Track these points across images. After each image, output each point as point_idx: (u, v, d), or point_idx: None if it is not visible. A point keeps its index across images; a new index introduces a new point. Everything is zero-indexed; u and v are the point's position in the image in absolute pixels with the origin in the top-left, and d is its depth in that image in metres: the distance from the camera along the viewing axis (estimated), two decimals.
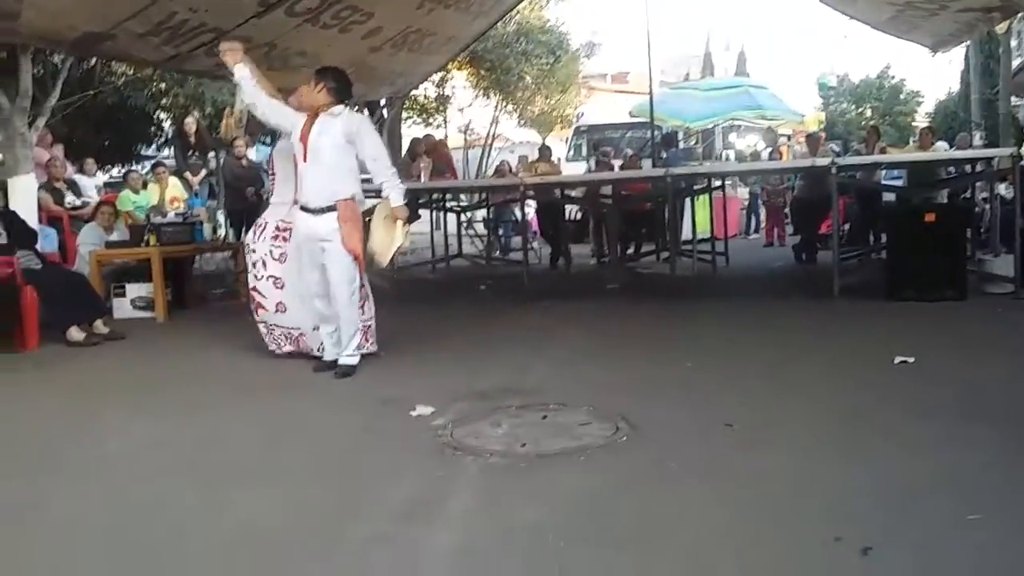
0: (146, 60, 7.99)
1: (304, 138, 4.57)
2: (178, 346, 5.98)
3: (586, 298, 7.67)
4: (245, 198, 9.64)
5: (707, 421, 3.54)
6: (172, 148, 12.15)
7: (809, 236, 10.54)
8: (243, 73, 4.66)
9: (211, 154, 10.86)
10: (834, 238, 7.58)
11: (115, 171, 13.95)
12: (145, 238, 7.18)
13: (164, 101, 13.84)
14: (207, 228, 8.16)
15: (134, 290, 7.20)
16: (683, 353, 4.89)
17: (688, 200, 10.49)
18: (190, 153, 10.42)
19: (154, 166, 10.37)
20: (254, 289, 5.10)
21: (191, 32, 6.91)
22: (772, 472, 2.92)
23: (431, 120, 18.85)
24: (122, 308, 7.17)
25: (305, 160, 4.57)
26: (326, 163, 4.54)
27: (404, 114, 16.75)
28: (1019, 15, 14.44)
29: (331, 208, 4.55)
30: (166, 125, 14.72)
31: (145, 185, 9.39)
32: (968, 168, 9.01)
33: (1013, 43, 17.41)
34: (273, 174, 5.20)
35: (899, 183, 10.86)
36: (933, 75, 52.92)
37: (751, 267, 10.21)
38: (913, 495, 2.64)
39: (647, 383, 4.28)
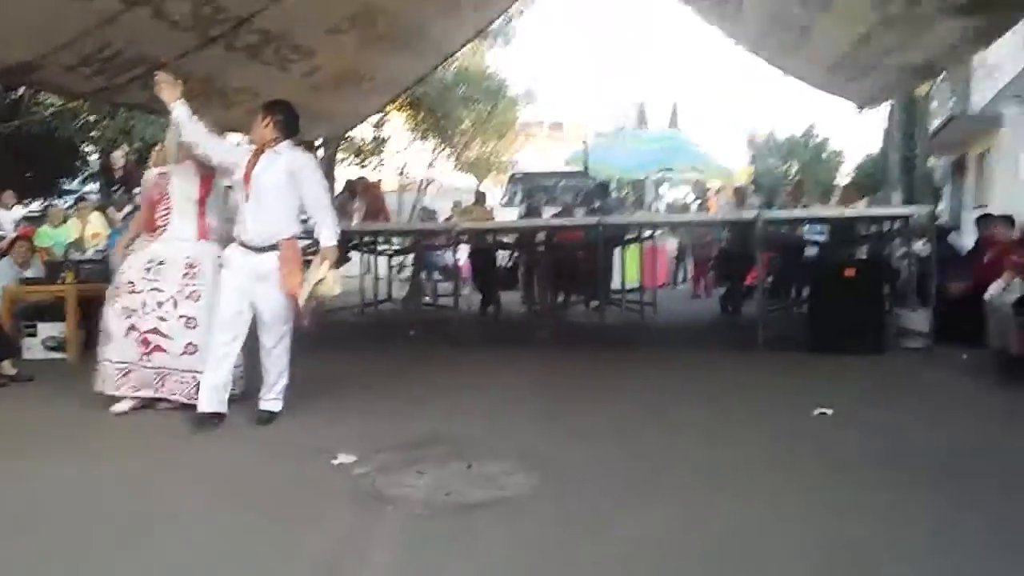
0: (76, 91, 7.81)
1: (248, 175, 4.45)
2: (89, 389, 5.74)
3: (516, 345, 7.67)
4: None
5: (633, 471, 3.55)
6: (97, 182, 11.84)
7: (735, 287, 10.78)
8: (181, 109, 4.50)
9: (137, 190, 10.61)
10: (760, 290, 7.76)
11: (35, 205, 13.53)
12: (62, 275, 6.93)
13: (93, 134, 13.52)
14: None
15: (46, 329, 6.91)
16: (612, 403, 4.91)
17: (618, 249, 10.63)
18: (115, 188, 10.16)
19: (77, 200, 10.09)
20: (154, 331, 4.74)
21: (125, 64, 6.77)
22: (703, 519, 2.93)
23: (367, 162, 18.83)
24: (32, 349, 6.88)
25: (248, 198, 4.45)
26: (268, 202, 4.43)
27: (340, 155, 16.69)
28: (939, 77, 15.24)
29: (273, 247, 4.45)
30: (92, 158, 14.36)
31: (65, 220, 9.11)
32: (888, 225, 9.36)
33: (933, 105, 18.27)
34: (166, 208, 4.92)
35: (821, 238, 11.19)
36: (854, 138, 55.18)
37: (678, 317, 10.37)
38: (836, 546, 2.67)
39: (575, 432, 4.28)
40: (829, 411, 4.53)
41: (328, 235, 4.51)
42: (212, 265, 4.81)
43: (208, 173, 4.89)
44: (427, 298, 11.48)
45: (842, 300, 6.76)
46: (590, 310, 10.11)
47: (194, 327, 4.75)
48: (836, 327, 6.72)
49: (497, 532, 2.88)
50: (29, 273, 7.39)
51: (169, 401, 4.77)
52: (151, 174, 5.10)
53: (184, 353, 4.75)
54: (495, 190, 18.96)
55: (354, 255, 11.98)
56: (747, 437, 4.13)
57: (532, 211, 12.14)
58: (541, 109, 26.43)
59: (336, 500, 3.23)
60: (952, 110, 20.14)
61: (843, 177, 31.75)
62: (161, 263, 4.82)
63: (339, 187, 12.59)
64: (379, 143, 18.65)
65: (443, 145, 19.30)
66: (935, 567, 2.57)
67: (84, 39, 6.21)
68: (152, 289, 4.78)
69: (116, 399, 4.79)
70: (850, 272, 7.00)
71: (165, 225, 4.90)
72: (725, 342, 7.91)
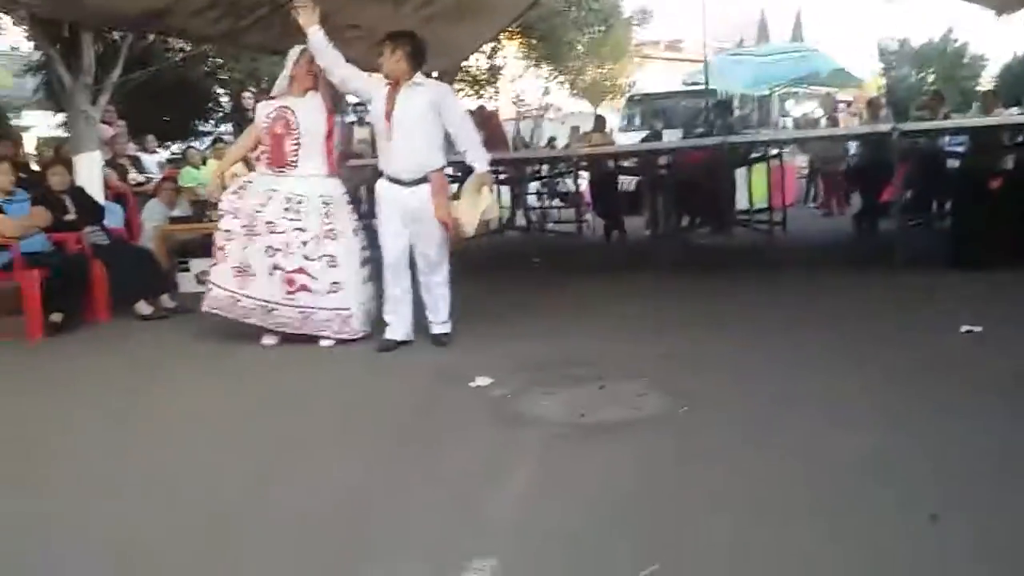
0: (203, 35, 8.11)
1: (389, 110, 4.50)
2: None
3: (640, 270, 7.62)
4: None
5: (769, 394, 3.52)
6: (232, 123, 12.32)
7: (870, 204, 10.30)
8: (319, 35, 4.57)
9: None
10: (897, 206, 7.39)
11: (175, 147, 14.26)
12: (208, 213, 7.32)
13: (221, 76, 14.01)
14: None
15: (198, 265, 7.34)
16: (738, 326, 4.84)
17: (744, 169, 10.31)
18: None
19: (214, 142, 10.54)
20: (300, 271, 4.76)
21: (246, 8, 6.98)
22: (834, 443, 2.89)
23: (483, 92, 18.82)
24: (187, 283, 7.32)
25: (390, 132, 4.50)
26: (415, 135, 4.48)
27: (456, 86, 16.74)
28: None
29: (423, 180, 4.52)
30: (224, 101, 14.93)
31: (205, 161, 9.56)
32: None
33: None
34: (295, 143, 4.83)
35: (962, 149, 10.52)
36: (998, 39, 50.83)
37: (810, 237, 10.02)
38: (974, 467, 2.60)
39: (708, 356, 4.25)
40: (978, 328, 4.32)
41: (481, 161, 4.60)
42: (343, 201, 4.96)
43: (331, 107, 4.96)
44: (551, 224, 11.51)
45: (988, 213, 6.37)
46: (717, 232, 9.91)
47: (335, 265, 4.80)
48: (982, 241, 6.35)
49: (636, 451, 2.93)
50: (176, 212, 7.84)
51: (312, 337, 4.87)
52: (268, 105, 4.96)
53: (329, 292, 4.80)
54: (613, 115, 18.62)
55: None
56: (885, 359, 4.00)
57: (653, 134, 11.90)
58: (657, 28, 25.56)
59: (476, 422, 3.35)
60: None
61: (987, 83, 29.49)
62: (300, 201, 4.80)
63: None
64: (494, 72, 18.57)
65: (558, 71, 19.04)
66: None
67: None
68: (296, 229, 4.77)
69: (263, 330, 4.93)
70: (995, 183, 6.58)
71: (295, 161, 4.84)
72: (860, 261, 7.61)
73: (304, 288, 4.80)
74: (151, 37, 11.45)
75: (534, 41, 17.20)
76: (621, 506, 2.46)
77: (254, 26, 7.49)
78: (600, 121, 12.40)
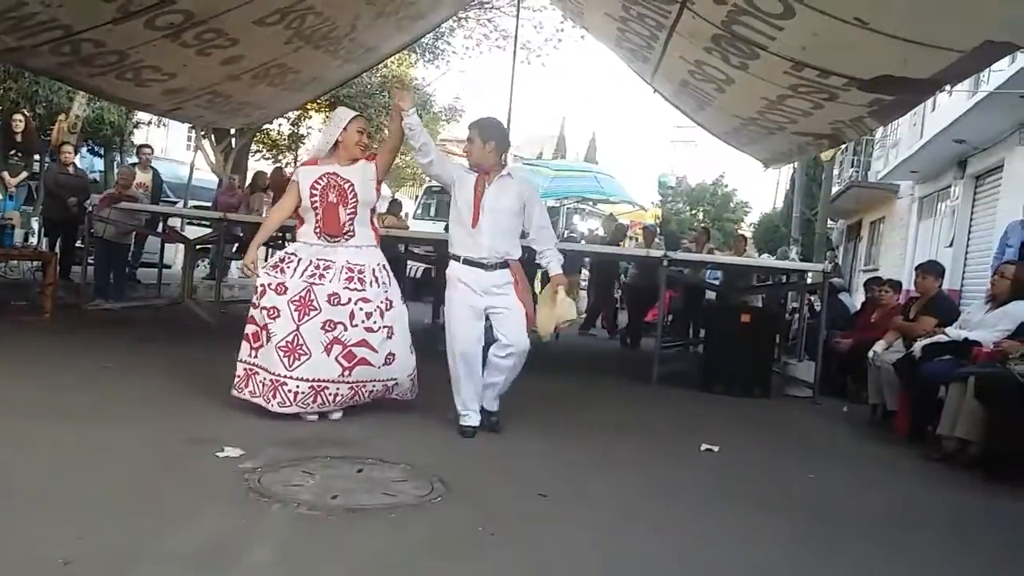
0: None
1: (479, 198, 4.47)
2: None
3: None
4: (66, 207, 9.00)
5: (521, 489, 3.58)
6: None
7: (635, 322, 11.04)
8: (415, 118, 4.54)
9: (36, 157, 10.14)
10: (659, 327, 7.95)
11: None
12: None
13: None
14: (18, 233, 7.55)
15: None
16: (506, 421, 4.92)
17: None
18: (12, 152, 9.66)
19: None
20: (362, 343, 4.49)
21: (39, 26, 6.46)
22: (577, 543, 2.98)
23: (281, 156, 18.49)
24: None
25: (477, 219, 4.45)
26: (503, 224, 4.49)
27: (253, 146, 16.34)
28: (842, 146, 16.03)
29: (503, 264, 4.50)
30: None
31: None
32: (783, 278, 9.78)
33: (835, 171, 19.21)
34: (352, 213, 4.62)
35: (718, 283, 11.59)
36: (761, 191, 57.47)
37: (578, 346, 10.51)
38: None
39: (465, 447, 4.29)
40: (715, 448, 4.68)
41: (556, 263, 4.61)
42: (389, 272, 4.77)
43: (381, 179, 4.79)
44: None
45: (735, 344, 7.02)
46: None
47: (391, 337, 4.62)
48: (727, 369, 6.97)
49: (384, 538, 2.86)
50: None
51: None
52: (312, 171, 4.67)
53: (384, 364, 4.60)
54: (410, 202, 18.88)
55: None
56: (633, 468, 4.23)
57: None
58: (463, 128, 26.49)
59: (217, 494, 3.14)
60: (852, 178, 21.26)
61: (747, 228, 32.95)
62: (361, 271, 4.58)
63: (250, 177, 12.35)
64: (295, 139, 18.35)
65: None
66: None
67: None
68: (360, 300, 4.52)
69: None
70: (746, 318, 7.27)
71: (351, 231, 4.62)
72: (621, 374, 8.06)
73: (363, 362, 4.51)
74: None
75: None
76: None
77: (41, 47, 6.93)
78: (396, 204, 12.51)
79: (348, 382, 4.48)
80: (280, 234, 10.66)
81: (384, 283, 4.67)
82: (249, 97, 9.73)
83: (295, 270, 4.50)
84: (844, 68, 5.39)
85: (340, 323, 4.45)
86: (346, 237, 4.62)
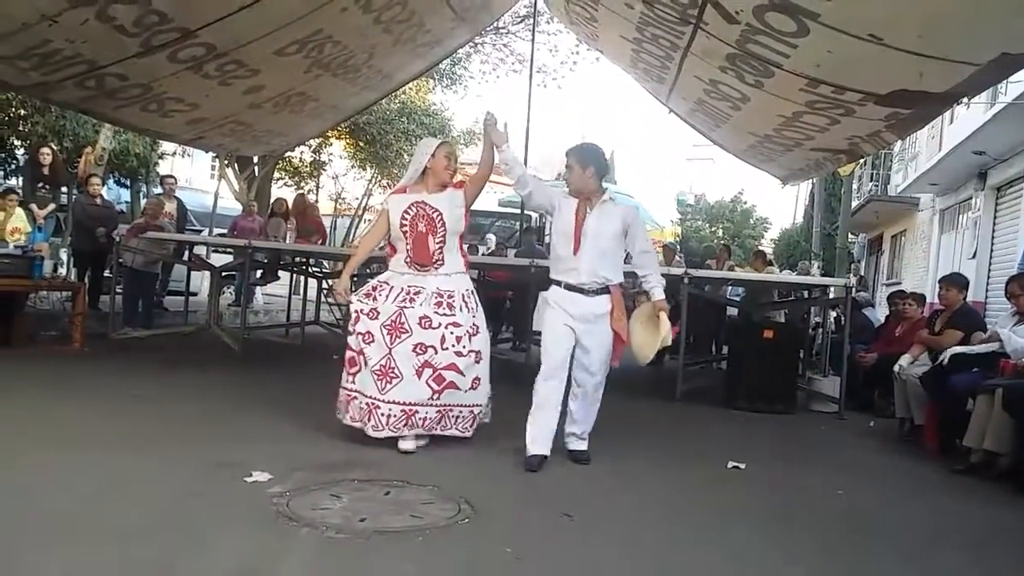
0: (8, 84, 7.57)
1: (580, 223, 4.47)
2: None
3: None
4: (94, 238, 9.16)
5: (547, 510, 3.60)
6: (21, 177, 11.45)
7: None
8: (511, 155, 4.60)
9: (63, 189, 10.32)
10: (680, 345, 7.94)
11: None
12: None
13: (21, 128, 13.10)
14: (48, 265, 7.69)
15: None
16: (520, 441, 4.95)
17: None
18: (40, 184, 9.85)
19: (4, 191, 9.72)
20: (451, 367, 4.51)
21: (64, 61, 6.62)
22: (605, 564, 2.98)
23: (303, 183, 18.68)
24: None
25: (579, 244, 4.46)
26: (605, 249, 4.49)
27: (276, 174, 16.53)
28: (862, 160, 16.00)
29: (605, 290, 4.49)
30: (19, 152, 13.90)
31: None
32: (806, 293, 9.75)
33: (854, 185, 19.15)
34: (441, 240, 4.67)
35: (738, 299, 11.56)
36: (781, 206, 57.26)
37: None
38: None
39: (492, 468, 4.31)
40: (742, 465, 4.67)
41: (659, 288, 4.56)
42: (476, 298, 4.78)
43: (469, 206, 4.82)
44: None
45: (758, 360, 7.00)
46: (514, 349, 10.19)
47: (479, 361, 4.63)
48: (751, 386, 6.95)
49: (412, 561, 2.88)
50: None
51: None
52: (402, 200, 4.72)
53: (471, 389, 4.61)
54: None
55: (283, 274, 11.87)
56: (658, 486, 4.23)
57: (470, 248, 12.19)
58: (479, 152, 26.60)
59: (247, 518, 3.18)
60: (871, 191, 21.16)
61: (767, 244, 32.83)
62: (451, 296, 4.62)
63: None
64: (318, 166, 18.55)
65: (381, 175, 19.28)
66: None
67: (24, 32, 6.06)
68: (450, 324, 4.55)
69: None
70: (768, 334, 7.25)
71: (440, 259, 4.66)
72: (644, 392, 8.04)
73: (452, 386, 4.53)
74: None
75: (361, 143, 17.38)
76: None
77: (66, 82, 7.10)
78: None
79: (436, 405, 4.51)
80: (310, 259, 10.89)
81: (472, 309, 4.68)
82: (270, 125, 9.88)
83: (387, 296, 4.59)
84: (859, 84, 5.41)
85: (431, 346, 4.48)
86: (436, 266, 4.66)
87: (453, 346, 4.52)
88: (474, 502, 3.53)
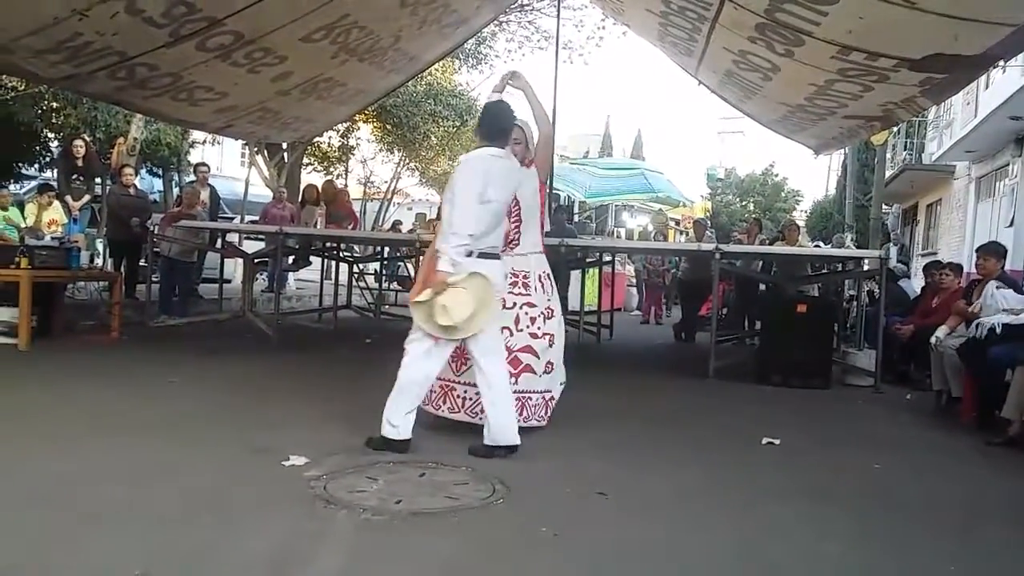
0: (41, 77, 7.67)
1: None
2: (39, 376, 5.66)
3: None
4: (129, 228, 9.29)
5: (581, 488, 3.60)
6: (55, 170, 11.62)
7: (689, 316, 10.97)
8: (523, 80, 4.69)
9: (97, 180, 10.46)
10: (713, 321, 7.88)
11: None
12: (16, 260, 6.79)
13: (54, 120, 13.28)
14: (84, 256, 7.81)
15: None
16: (565, 420, 4.95)
17: (580, 271, 10.75)
18: (75, 177, 9.99)
19: (41, 187, 9.88)
20: (527, 349, 4.40)
21: (95, 54, 6.69)
22: (640, 540, 2.99)
23: (332, 168, 18.76)
24: None
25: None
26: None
27: (305, 160, 16.62)
28: (895, 128, 15.70)
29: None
30: (52, 145, 14.10)
31: (23, 206, 8.94)
32: (839, 266, 9.63)
33: (888, 155, 18.80)
34: (518, 218, 4.54)
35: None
36: (813, 178, 56.45)
37: (633, 342, 10.49)
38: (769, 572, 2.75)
39: (524, 447, 4.31)
40: (777, 441, 4.64)
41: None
42: (552, 280, 4.67)
43: (544, 179, 4.72)
44: (386, 305, 11.45)
45: (792, 335, 6.93)
46: None
47: (553, 345, 4.51)
48: (785, 361, 6.88)
49: (448, 542, 2.91)
50: None
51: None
52: None
53: (543, 373, 4.49)
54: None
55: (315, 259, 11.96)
56: (692, 464, 4.22)
57: None
58: None
59: (285, 502, 3.22)
60: (905, 161, 20.76)
61: (799, 216, 32.42)
62: (526, 276, 4.52)
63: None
64: (346, 151, 18.60)
65: (409, 159, 19.30)
66: None
67: (56, 26, 6.13)
68: (525, 304, 4.46)
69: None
70: (802, 308, 7.17)
71: (517, 239, 4.54)
72: (677, 368, 8.03)
73: (528, 369, 4.43)
74: None
75: (389, 127, 17.39)
76: None
77: (97, 73, 7.18)
78: None
79: (514, 391, 4.28)
80: (341, 244, 10.94)
81: (548, 291, 4.58)
82: (298, 112, 9.93)
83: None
84: (892, 49, 5.31)
85: (506, 328, 4.36)
86: (511, 246, 4.52)
87: (528, 327, 4.43)
88: (508, 482, 3.55)
